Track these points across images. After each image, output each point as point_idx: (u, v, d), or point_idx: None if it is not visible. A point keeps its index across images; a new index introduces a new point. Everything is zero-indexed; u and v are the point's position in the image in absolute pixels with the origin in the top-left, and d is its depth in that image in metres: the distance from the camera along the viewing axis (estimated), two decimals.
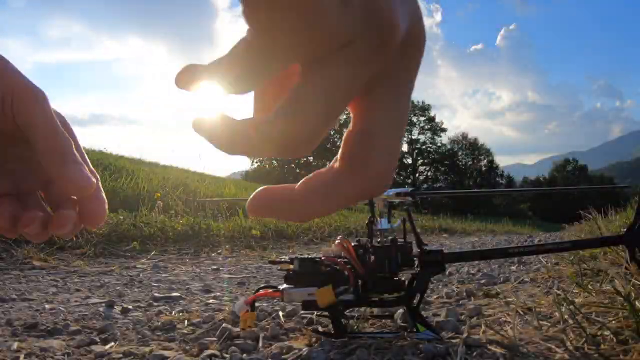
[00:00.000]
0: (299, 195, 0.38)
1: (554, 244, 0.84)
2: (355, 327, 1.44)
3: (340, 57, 0.34)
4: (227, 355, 1.24)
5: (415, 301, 1.21)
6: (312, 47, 0.33)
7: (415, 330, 1.08)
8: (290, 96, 0.34)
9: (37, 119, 0.54)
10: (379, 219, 1.41)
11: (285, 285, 1.31)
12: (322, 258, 1.31)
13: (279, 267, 1.31)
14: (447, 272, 2.11)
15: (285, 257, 1.32)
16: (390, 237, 1.36)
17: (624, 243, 0.85)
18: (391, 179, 0.38)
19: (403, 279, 1.32)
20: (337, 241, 1.34)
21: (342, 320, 1.30)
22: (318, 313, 1.55)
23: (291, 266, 1.29)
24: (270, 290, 1.32)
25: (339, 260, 1.29)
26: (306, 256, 1.34)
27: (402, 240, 1.37)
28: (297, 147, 0.36)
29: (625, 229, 0.85)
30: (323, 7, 0.32)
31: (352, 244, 1.32)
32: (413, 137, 57.99)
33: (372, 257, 1.31)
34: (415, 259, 1.28)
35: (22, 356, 0.68)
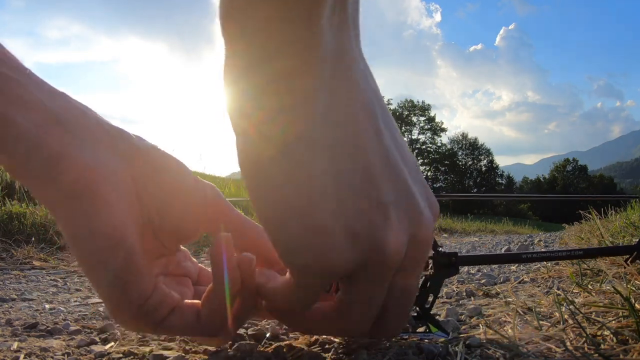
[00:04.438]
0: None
1: (567, 252, 0.86)
2: None
3: (358, 277, 0.42)
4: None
5: (428, 302, 1.21)
6: (327, 279, 0.42)
7: (427, 330, 1.08)
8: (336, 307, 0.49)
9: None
10: None
11: None
12: None
13: None
14: None
15: None
16: None
17: (637, 252, 0.86)
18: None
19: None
20: None
21: None
22: None
23: None
24: None
25: None
26: None
27: None
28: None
29: (638, 240, 0.86)
30: (333, 245, 0.38)
31: None
32: (413, 137, 58.05)
33: None
34: (429, 260, 1.28)
35: (22, 356, 0.68)
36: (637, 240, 0.86)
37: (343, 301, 0.46)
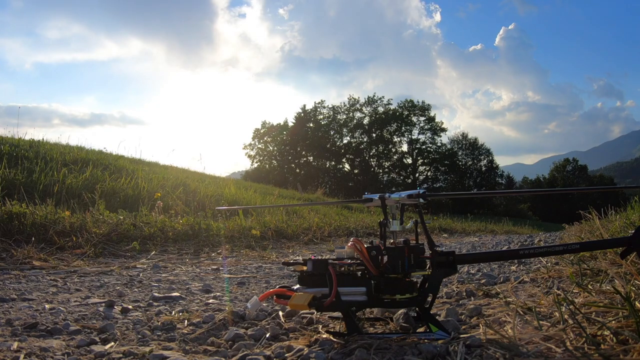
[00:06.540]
0: None
1: (564, 246, 0.85)
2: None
3: None
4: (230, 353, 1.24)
5: (427, 302, 1.21)
6: None
7: (428, 330, 1.08)
8: None
9: None
10: (391, 220, 1.40)
11: (298, 286, 1.35)
12: (335, 259, 1.32)
13: (293, 269, 1.32)
14: None
15: (299, 258, 1.34)
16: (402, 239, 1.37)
17: (631, 244, 0.85)
18: None
19: (415, 280, 1.32)
20: (349, 242, 1.35)
21: (354, 320, 1.31)
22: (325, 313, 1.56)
23: (304, 267, 1.30)
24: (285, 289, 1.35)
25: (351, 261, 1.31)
26: (319, 257, 1.35)
27: (415, 241, 1.37)
28: None
29: (632, 231, 0.85)
30: None
31: (365, 246, 1.33)
32: (413, 137, 58.08)
33: (385, 259, 1.32)
34: (427, 260, 1.28)
35: (22, 356, 0.68)
36: (632, 232, 0.85)
37: None
